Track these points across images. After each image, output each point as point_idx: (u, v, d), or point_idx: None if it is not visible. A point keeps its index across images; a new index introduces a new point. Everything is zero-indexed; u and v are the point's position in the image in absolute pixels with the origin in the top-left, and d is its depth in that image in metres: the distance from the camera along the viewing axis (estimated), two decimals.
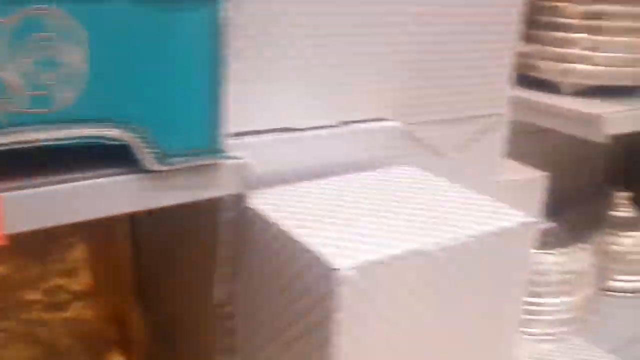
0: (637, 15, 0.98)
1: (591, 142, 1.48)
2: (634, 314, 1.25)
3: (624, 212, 1.31)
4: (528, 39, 1.05)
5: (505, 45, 0.78)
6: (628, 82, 1.00)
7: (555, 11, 1.01)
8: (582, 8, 0.98)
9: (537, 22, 1.04)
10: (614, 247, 1.28)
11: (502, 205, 0.59)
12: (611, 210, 1.32)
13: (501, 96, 0.80)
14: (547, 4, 1.01)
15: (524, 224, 0.56)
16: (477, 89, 0.78)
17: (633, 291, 1.29)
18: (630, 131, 0.95)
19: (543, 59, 1.02)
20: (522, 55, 1.07)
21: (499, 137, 0.82)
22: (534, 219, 0.57)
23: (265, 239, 0.55)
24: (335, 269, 0.48)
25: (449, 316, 0.55)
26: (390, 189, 0.62)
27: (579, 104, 0.95)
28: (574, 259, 1.14)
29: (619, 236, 1.28)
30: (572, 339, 1.05)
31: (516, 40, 0.79)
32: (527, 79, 1.06)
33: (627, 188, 1.41)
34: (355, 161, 0.67)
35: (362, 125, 0.67)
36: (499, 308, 0.57)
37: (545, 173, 1.01)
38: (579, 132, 0.94)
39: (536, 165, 1.42)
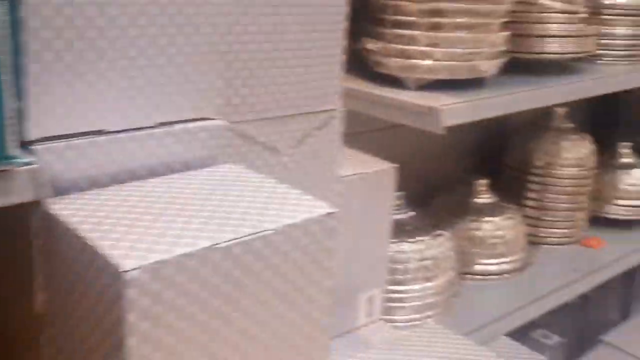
0: (473, 12, 1.03)
1: (458, 133, 1.53)
2: (495, 295, 1.31)
3: (483, 198, 1.37)
4: (374, 36, 1.08)
5: (334, 42, 0.80)
6: (466, 75, 1.04)
7: (397, 9, 1.03)
8: (421, 6, 1.01)
9: (381, 20, 1.06)
10: (476, 233, 1.33)
11: (309, 198, 0.60)
12: (472, 197, 1.37)
13: (333, 92, 0.81)
14: (390, 2, 1.04)
15: (327, 215, 0.58)
16: (308, 86, 0.79)
17: (496, 273, 1.35)
18: (466, 121, 0.99)
19: (388, 55, 1.05)
20: (369, 52, 1.09)
21: (335, 132, 0.83)
22: (336, 210, 0.58)
23: (66, 245, 0.54)
24: (122, 271, 0.47)
25: (255, 310, 0.55)
26: (204, 188, 0.61)
27: (420, 98, 0.99)
28: (433, 245, 1.17)
29: (480, 221, 1.33)
30: (431, 323, 1.09)
31: (345, 37, 0.80)
32: (377, 75, 1.09)
33: (487, 175, 1.47)
34: (178, 162, 0.67)
35: (182, 126, 0.67)
36: (308, 299, 0.58)
37: (395, 165, 1.04)
38: (419, 124, 0.98)
39: (406, 158, 1.46)
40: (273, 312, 0.57)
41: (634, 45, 1.36)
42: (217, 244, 0.52)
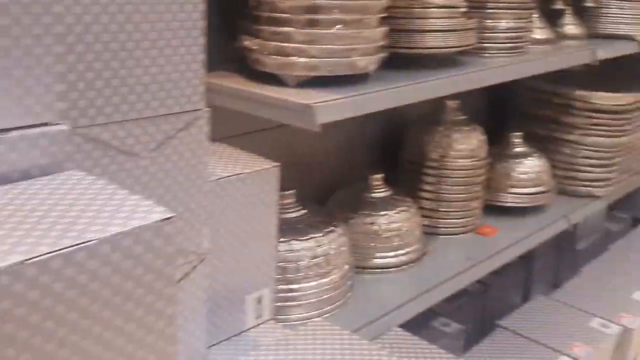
0: (348, 8, 1.01)
1: (359, 128, 1.53)
2: (393, 287, 1.30)
3: (379, 192, 1.37)
4: (252, 34, 1.05)
5: (191, 40, 0.76)
6: (344, 72, 1.02)
7: (272, 7, 1.01)
8: (296, 3, 0.99)
9: (258, 18, 1.04)
10: (372, 227, 1.33)
11: (148, 204, 0.57)
12: (368, 192, 1.37)
13: (195, 92, 0.78)
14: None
15: (162, 221, 0.55)
16: (165, 87, 0.75)
17: (393, 266, 1.35)
18: (343, 118, 0.97)
19: (265, 53, 1.02)
20: (247, 50, 1.06)
21: (201, 133, 0.80)
22: (172, 215, 0.55)
23: None
24: None
25: (85, 325, 0.51)
26: (35, 198, 0.57)
27: (297, 95, 0.97)
28: (324, 242, 1.16)
29: (375, 216, 1.33)
30: (320, 321, 1.07)
31: (204, 36, 0.77)
32: (260, 74, 1.06)
33: (387, 169, 1.47)
34: (15, 171, 0.62)
35: (17, 133, 0.62)
36: (147, 309, 0.55)
37: (277, 164, 1.02)
38: (295, 122, 0.95)
39: (306, 155, 1.44)
40: (107, 325, 0.53)
41: (516, 38, 1.38)
42: (31, 257, 0.48)
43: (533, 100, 1.74)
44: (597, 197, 1.73)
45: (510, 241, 1.50)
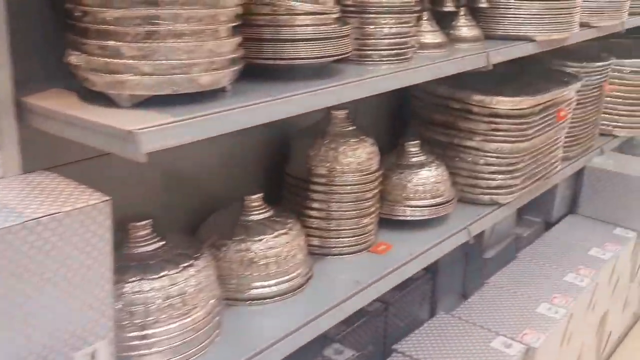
0: (185, 18, 0.88)
1: (237, 144, 1.39)
2: (272, 320, 1.17)
3: (256, 214, 1.24)
4: (78, 48, 0.90)
5: None
6: (186, 90, 0.89)
7: (96, 17, 0.87)
8: (124, 13, 0.85)
9: (85, 30, 0.89)
10: (247, 254, 1.19)
11: None
12: (244, 214, 1.24)
13: None
14: (90, 9, 0.87)
15: None
16: None
17: (273, 296, 1.22)
18: (179, 144, 0.84)
19: (92, 70, 0.88)
20: (74, 66, 0.91)
21: None
22: None
23: None
24: None
25: None
26: None
27: (122, 119, 0.82)
28: (180, 279, 1.02)
29: (249, 241, 1.20)
30: None
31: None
32: (95, 93, 0.92)
33: (272, 187, 1.35)
34: None
35: None
36: None
37: (106, 197, 0.87)
38: (119, 151, 0.81)
39: (175, 176, 1.29)
40: None
41: (401, 44, 1.27)
42: None
43: (430, 105, 1.64)
44: (501, 205, 1.66)
45: (406, 258, 1.40)
